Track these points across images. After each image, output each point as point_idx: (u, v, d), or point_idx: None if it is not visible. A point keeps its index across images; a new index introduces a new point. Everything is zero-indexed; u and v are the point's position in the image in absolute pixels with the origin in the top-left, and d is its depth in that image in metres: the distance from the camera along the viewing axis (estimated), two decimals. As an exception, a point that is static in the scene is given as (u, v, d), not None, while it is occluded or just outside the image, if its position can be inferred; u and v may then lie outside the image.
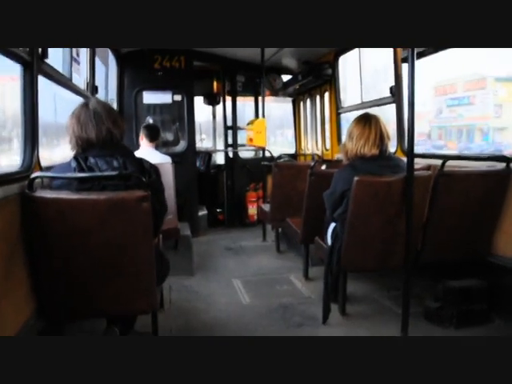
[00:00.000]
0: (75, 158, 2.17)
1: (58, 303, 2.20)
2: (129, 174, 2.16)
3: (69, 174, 2.12)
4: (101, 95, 4.30)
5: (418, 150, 3.27)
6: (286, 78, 6.56)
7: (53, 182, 2.18)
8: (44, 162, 2.50)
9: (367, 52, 4.85)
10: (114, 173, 2.12)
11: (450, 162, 2.87)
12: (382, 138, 2.80)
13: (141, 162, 2.31)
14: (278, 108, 9.01)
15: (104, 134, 2.19)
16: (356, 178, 2.62)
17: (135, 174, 2.13)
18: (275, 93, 6.69)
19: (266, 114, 5.38)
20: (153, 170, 2.33)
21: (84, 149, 2.20)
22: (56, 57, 2.98)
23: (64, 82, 3.15)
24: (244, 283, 3.86)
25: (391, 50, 4.03)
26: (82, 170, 2.14)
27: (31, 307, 2.12)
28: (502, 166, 2.85)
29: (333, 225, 3.03)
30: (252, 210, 6.25)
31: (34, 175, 2.03)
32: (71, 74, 3.33)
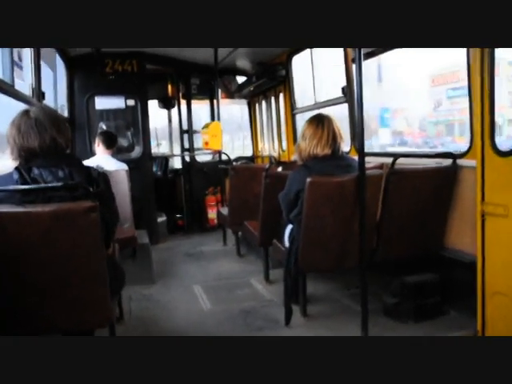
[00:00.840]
0: (17, 168, 2.07)
1: (7, 319, 2.08)
2: (75, 184, 2.07)
3: (11, 187, 2.01)
4: (49, 101, 4.14)
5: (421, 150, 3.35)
6: (240, 79, 6.55)
7: None
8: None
9: (319, 52, 4.91)
10: (59, 184, 2.04)
11: (400, 161, 2.94)
12: (334, 138, 2.83)
13: (88, 170, 2.22)
14: (238, 110, 8.98)
15: (48, 143, 2.09)
16: (308, 179, 2.63)
17: (82, 185, 2.05)
18: (230, 95, 6.66)
19: (225, 117, 5.34)
20: (101, 179, 2.24)
21: (27, 159, 2.09)
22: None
23: (4, 88, 3.00)
24: (205, 289, 3.82)
25: (342, 50, 4.10)
26: (25, 181, 2.03)
27: None
28: (448, 162, 2.94)
29: (290, 226, 3.04)
30: (212, 214, 6.19)
31: None
32: (13, 80, 3.18)
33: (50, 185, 2.02)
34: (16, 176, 2.04)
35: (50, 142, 2.10)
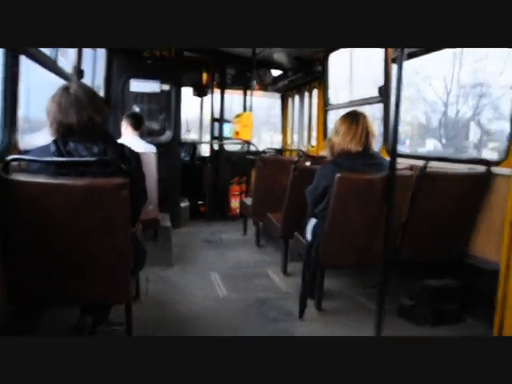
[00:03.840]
0: (54, 141, 2.12)
1: (29, 289, 2.14)
2: (108, 160, 2.11)
3: (46, 158, 2.06)
4: (87, 80, 4.22)
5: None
6: (276, 73, 6.54)
7: (30, 166, 2.13)
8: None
9: (358, 51, 4.86)
10: (92, 159, 2.08)
11: (432, 164, 2.89)
12: (367, 136, 2.80)
13: (122, 148, 2.26)
14: (266, 103, 8.98)
15: (85, 120, 2.14)
16: (338, 175, 2.62)
17: (114, 161, 2.10)
18: (265, 87, 6.66)
19: (253, 109, 5.36)
20: (133, 157, 2.28)
21: (64, 134, 2.14)
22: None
23: (49, 64, 3.07)
24: (222, 276, 3.85)
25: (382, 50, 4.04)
26: (60, 154, 2.09)
27: (1, 293, 2.07)
28: (482, 168, 2.88)
29: (313, 221, 3.03)
30: (234, 203, 6.23)
31: (9, 158, 1.97)
32: (57, 57, 3.26)
33: (83, 159, 2.07)
34: (53, 148, 2.09)
35: (88, 119, 2.15)
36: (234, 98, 6.99)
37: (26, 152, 2.39)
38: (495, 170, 2.85)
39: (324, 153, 3.23)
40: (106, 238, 2.09)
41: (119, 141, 2.40)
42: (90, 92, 2.25)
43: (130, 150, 2.29)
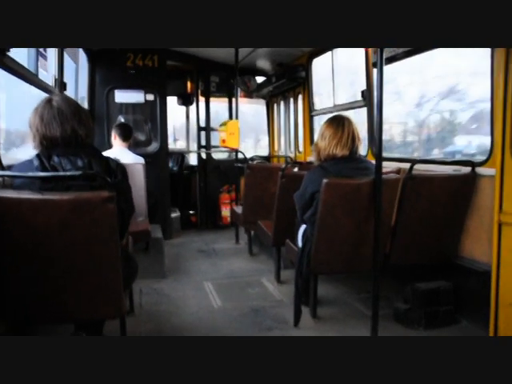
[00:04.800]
0: (38, 155, 2.10)
1: (19, 307, 2.11)
2: (94, 174, 2.10)
3: (31, 174, 2.04)
4: (70, 93, 4.19)
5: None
6: (260, 79, 6.56)
7: (14, 182, 2.10)
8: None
9: (340, 55, 4.88)
10: (78, 172, 2.06)
11: (418, 166, 2.91)
12: (353, 140, 2.82)
13: (107, 161, 2.25)
14: (251, 110, 8.98)
15: (69, 133, 2.12)
16: (325, 181, 2.62)
17: (100, 175, 2.08)
18: (249, 94, 6.67)
19: (240, 117, 5.36)
20: (119, 170, 2.26)
21: (48, 147, 2.12)
22: (21, 50, 2.88)
23: (28, 77, 3.04)
24: (216, 286, 3.83)
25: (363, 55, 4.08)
26: (44, 169, 2.06)
27: None
28: (467, 170, 2.91)
29: (303, 227, 3.03)
30: (225, 212, 6.22)
31: None
32: (37, 70, 3.23)
33: (68, 173, 2.05)
34: (36, 163, 2.07)
35: (71, 132, 2.13)
36: (221, 106, 6.98)
37: (9, 167, 2.36)
38: (480, 170, 2.87)
39: (311, 158, 3.24)
40: (95, 252, 2.06)
41: (108, 152, 2.38)
42: (73, 104, 2.22)
43: (115, 162, 2.27)
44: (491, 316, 2.45)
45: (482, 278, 2.63)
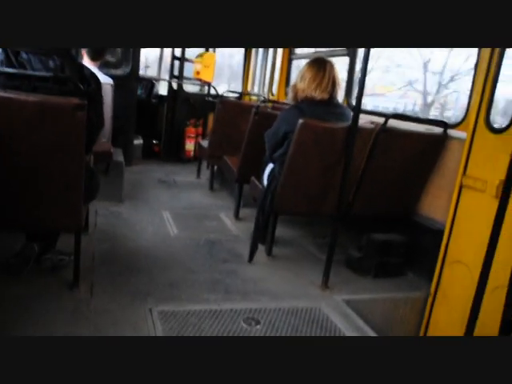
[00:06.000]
0: (4, 49, 1.93)
1: None
2: (65, 77, 1.97)
3: None
4: None
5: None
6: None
7: None
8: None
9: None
10: (47, 74, 1.92)
11: (392, 122, 2.92)
12: (333, 84, 2.78)
13: (81, 67, 2.11)
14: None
15: None
16: (301, 121, 2.59)
17: (73, 80, 1.95)
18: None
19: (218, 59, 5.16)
20: (93, 79, 2.13)
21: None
22: None
23: None
24: (173, 215, 3.81)
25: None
26: (10, 64, 1.91)
27: None
28: (439, 130, 2.95)
29: (270, 166, 3.02)
30: (189, 145, 6.10)
31: None
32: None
33: (38, 73, 1.91)
34: (1, 57, 1.91)
35: None
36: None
37: None
38: (452, 132, 2.92)
39: (286, 100, 3.18)
40: (59, 161, 1.98)
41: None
42: None
43: (89, 70, 2.13)
44: (436, 271, 2.57)
45: (435, 236, 2.74)
